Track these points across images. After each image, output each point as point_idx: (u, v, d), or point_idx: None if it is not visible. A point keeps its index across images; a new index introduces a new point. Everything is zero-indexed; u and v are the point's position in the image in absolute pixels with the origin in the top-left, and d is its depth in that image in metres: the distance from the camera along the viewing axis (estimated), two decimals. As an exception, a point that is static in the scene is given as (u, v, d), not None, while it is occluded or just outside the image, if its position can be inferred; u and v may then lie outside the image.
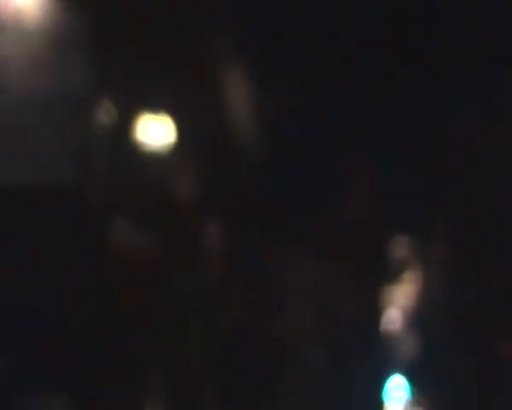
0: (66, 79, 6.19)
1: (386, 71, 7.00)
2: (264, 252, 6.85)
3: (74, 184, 6.16)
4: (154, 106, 6.92)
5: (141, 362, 5.41)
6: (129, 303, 5.44)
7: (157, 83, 6.65)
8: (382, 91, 7.12)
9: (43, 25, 6.13)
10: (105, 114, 6.55)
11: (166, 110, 6.96)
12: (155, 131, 7.12)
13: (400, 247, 7.20)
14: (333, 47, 6.86)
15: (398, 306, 6.97)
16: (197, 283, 5.56)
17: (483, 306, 6.81)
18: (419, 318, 7.05)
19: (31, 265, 6.00)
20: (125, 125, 6.78)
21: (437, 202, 7.19)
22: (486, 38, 6.76)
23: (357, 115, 7.37)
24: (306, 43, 6.83)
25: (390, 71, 6.99)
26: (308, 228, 5.89)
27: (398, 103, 7.09)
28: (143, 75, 6.58)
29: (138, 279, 5.46)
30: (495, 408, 6.29)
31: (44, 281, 5.97)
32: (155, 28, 6.43)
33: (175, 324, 5.49)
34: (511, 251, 6.79)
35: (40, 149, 6.17)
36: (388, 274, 5.98)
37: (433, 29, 6.88)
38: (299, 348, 6.29)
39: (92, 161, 6.42)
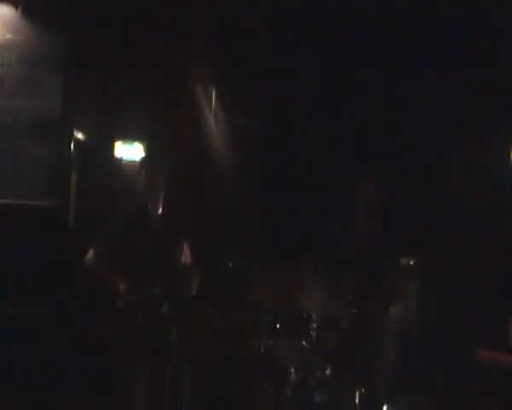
0: (40, 100, 6.28)
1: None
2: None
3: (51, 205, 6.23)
4: (131, 127, 7.02)
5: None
6: (108, 317, 5.44)
7: (131, 106, 6.75)
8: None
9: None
10: (80, 135, 6.64)
11: (141, 131, 7.07)
12: (130, 151, 7.20)
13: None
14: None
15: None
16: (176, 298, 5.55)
17: (460, 316, 6.90)
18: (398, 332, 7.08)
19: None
20: (100, 146, 6.87)
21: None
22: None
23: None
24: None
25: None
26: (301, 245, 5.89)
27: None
28: (118, 97, 6.69)
29: (116, 295, 5.45)
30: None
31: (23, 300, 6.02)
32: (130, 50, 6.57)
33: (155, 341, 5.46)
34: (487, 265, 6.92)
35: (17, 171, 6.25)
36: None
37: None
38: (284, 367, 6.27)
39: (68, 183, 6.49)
